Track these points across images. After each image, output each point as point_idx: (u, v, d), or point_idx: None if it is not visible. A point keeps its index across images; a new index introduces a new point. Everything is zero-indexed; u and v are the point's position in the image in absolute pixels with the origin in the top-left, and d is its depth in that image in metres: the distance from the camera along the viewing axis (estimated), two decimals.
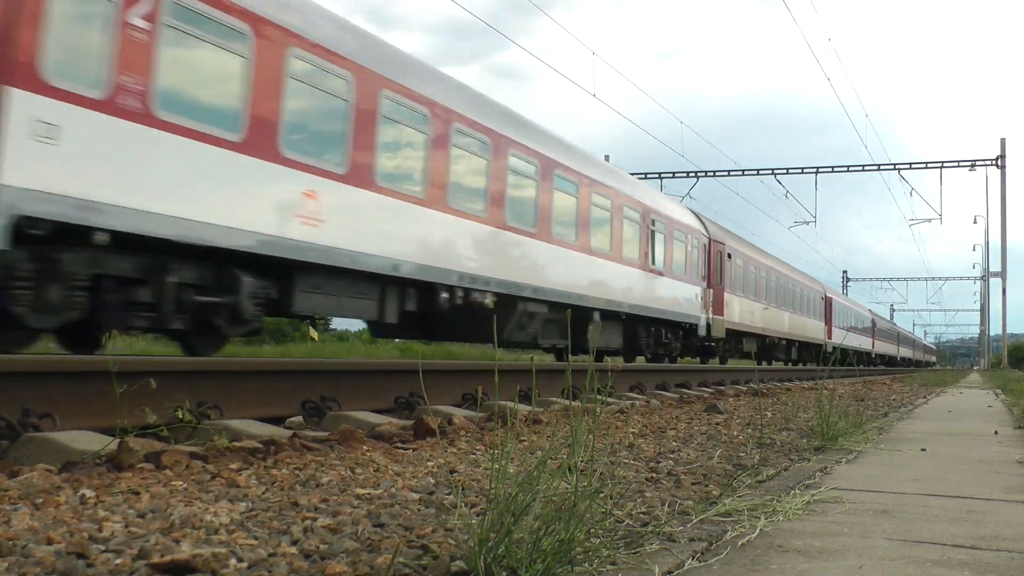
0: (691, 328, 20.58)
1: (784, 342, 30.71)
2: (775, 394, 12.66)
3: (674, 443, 5.32)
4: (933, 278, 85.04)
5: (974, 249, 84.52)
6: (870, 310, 55.91)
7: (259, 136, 8.33)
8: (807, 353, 34.22)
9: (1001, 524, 2.80)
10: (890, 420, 7.70)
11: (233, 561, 2.09)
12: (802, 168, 37.77)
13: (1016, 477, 4.02)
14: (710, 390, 12.85)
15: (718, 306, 22.26)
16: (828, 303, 38.28)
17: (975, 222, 53.38)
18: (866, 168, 37.51)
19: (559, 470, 2.23)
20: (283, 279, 9.05)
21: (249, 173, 8.23)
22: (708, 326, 21.53)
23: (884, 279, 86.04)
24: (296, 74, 8.78)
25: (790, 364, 31.72)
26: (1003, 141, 38.24)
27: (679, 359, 21.11)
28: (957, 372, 50.74)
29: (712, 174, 38.02)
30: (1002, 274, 40.41)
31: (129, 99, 7.08)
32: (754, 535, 2.50)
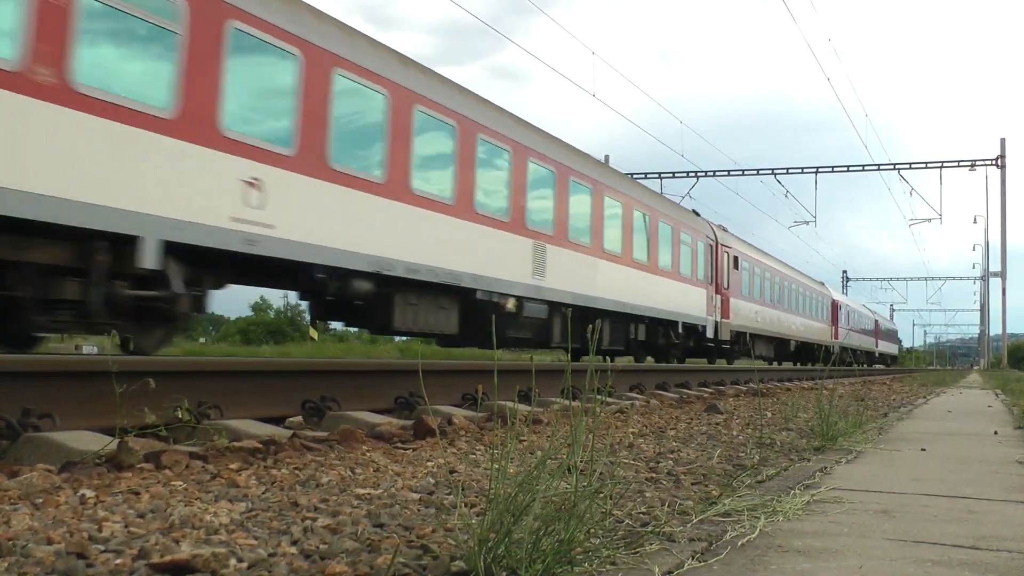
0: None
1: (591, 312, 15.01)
2: (775, 394, 12.66)
3: (674, 443, 5.32)
4: (933, 278, 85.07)
5: (974, 249, 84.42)
6: (825, 283, 40.78)
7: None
8: (662, 337, 19.06)
9: (1001, 524, 2.80)
10: (890, 420, 7.70)
11: (233, 561, 2.09)
12: (802, 168, 37.79)
13: (1016, 477, 4.02)
14: (710, 390, 12.86)
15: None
16: (715, 254, 22.52)
17: (975, 222, 53.16)
18: (866, 168, 37.52)
19: (559, 470, 2.23)
20: None
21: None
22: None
23: (884, 279, 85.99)
24: None
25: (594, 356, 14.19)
26: (1003, 141, 38.27)
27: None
28: (957, 372, 50.71)
29: (712, 174, 38.02)
30: (1002, 274, 40.43)
31: None
32: (754, 535, 2.50)
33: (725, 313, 22.89)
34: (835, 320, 39.68)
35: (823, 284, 39.65)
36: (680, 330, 19.62)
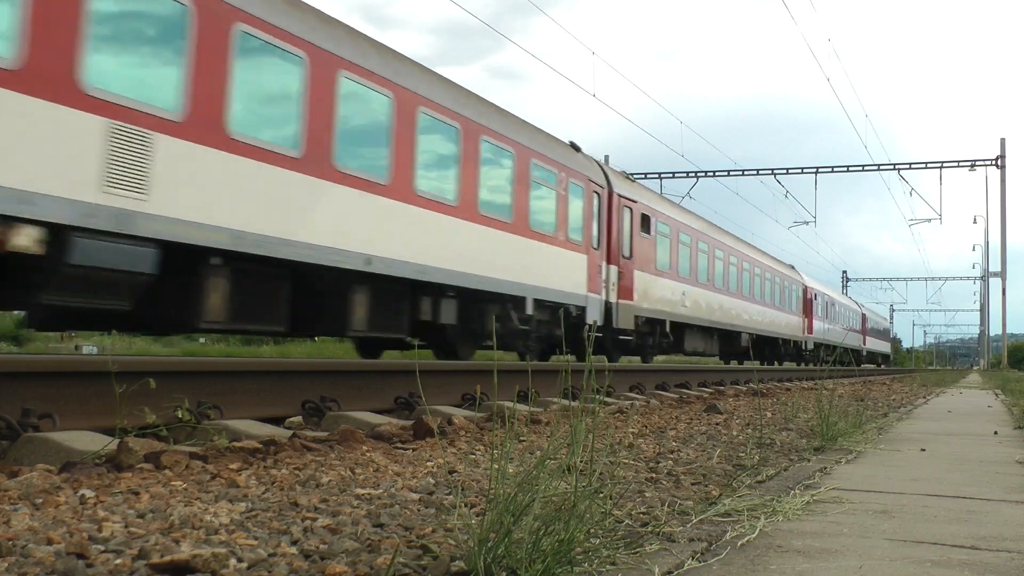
0: None
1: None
2: (775, 394, 12.67)
3: (674, 443, 5.32)
4: (933, 278, 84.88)
5: (974, 249, 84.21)
6: (795, 267, 34.32)
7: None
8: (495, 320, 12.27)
9: (1001, 524, 2.80)
10: (890, 420, 7.70)
11: (233, 561, 2.09)
12: (802, 168, 37.78)
13: (1016, 477, 4.02)
14: (710, 390, 12.86)
15: None
16: (609, 208, 15.90)
17: (975, 222, 52.95)
18: (866, 168, 37.52)
19: (558, 470, 2.23)
20: None
21: None
22: None
23: (884, 279, 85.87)
24: None
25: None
26: (1003, 141, 38.27)
27: None
28: (957, 372, 50.68)
29: (712, 174, 38.03)
30: (1002, 274, 40.42)
31: None
32: (754, 535, 2.50)
33: (625, 292, 16.27)
34: (808, 311, 33.22)
35: (793, 268, 33.88)
36: (530, 311, 13.03)
